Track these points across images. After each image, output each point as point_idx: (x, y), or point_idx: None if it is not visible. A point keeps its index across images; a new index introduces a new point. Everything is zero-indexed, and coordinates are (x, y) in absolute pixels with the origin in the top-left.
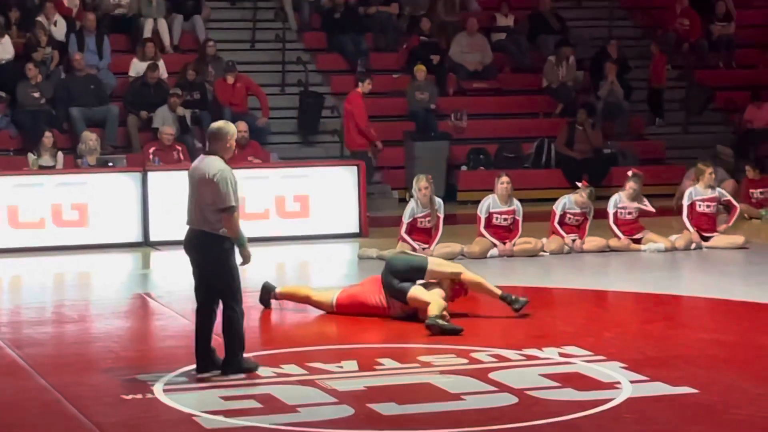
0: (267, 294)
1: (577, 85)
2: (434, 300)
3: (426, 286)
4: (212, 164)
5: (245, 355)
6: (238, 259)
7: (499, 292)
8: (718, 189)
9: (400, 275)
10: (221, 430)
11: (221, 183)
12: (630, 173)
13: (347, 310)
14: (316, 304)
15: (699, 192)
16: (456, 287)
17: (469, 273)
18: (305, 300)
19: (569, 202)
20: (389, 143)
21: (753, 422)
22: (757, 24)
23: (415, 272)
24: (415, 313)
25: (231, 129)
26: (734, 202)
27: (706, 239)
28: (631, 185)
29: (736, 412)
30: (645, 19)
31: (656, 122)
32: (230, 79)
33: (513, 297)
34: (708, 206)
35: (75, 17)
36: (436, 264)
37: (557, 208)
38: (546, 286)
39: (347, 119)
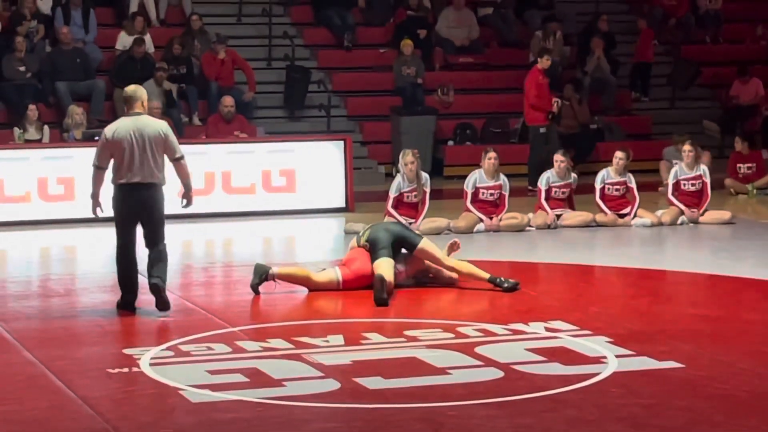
0: (264, 276)
1: (563, 60)
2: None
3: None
4: (157, 123)
5: None
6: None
7: (486, 275)
8: (702, 167)
9: (391, 238)
10: (207, 404)
11: (172, 136)
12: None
13: (354, 285)
14: (319, 286)
15: (683, 171)
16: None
17: (454, 260)
18: (305, 282)
19: (551, 175)
20: (376, 118)
21: (737, 396)
22: None
23: (405, 244)
24: (420, 280)
25: (143, 92)
26: (708, 190)
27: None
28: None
29: (720, 387)
30: (648, 16)
31: (641, 98)
32: (222, 53)
33: (501, 279)
34: (693, 185)
35: None
36: (426, 245)
37: (542, 183)
38: (532, 261)
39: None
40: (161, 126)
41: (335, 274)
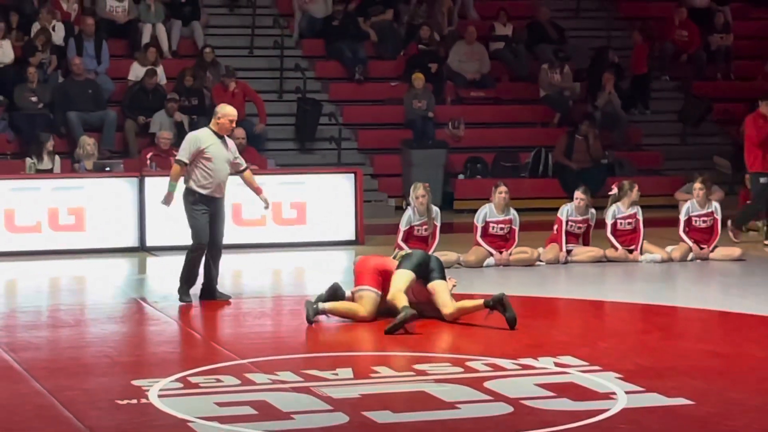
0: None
1: (574, 95)
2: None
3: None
4: (190, 134)
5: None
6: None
7: (479, 302)
8: (714, 204)
9: (422, 260)
10: None
11: (183, 142)
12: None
13: (387, 283)
14: (369, 314)
15: (695, 207)
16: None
17: (452, 308)
18: (352, 315)
19: (571, 209)
20: (387, 151)
21: None
22: (756, 36)
23: (426, 273)
24: (419, 308)
25: (220, 110)
26: (718, 227)
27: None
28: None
29: (730, 424)
30: (643, 30)
31: (643, 111)
32: (231, 85)
33: (491, 301)
34: (704, 222)
35: (74, 22)
36: (439, 285)
37: (561, 215)
38: (542, 295)
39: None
40: (187, 138)
41: (369, 293)
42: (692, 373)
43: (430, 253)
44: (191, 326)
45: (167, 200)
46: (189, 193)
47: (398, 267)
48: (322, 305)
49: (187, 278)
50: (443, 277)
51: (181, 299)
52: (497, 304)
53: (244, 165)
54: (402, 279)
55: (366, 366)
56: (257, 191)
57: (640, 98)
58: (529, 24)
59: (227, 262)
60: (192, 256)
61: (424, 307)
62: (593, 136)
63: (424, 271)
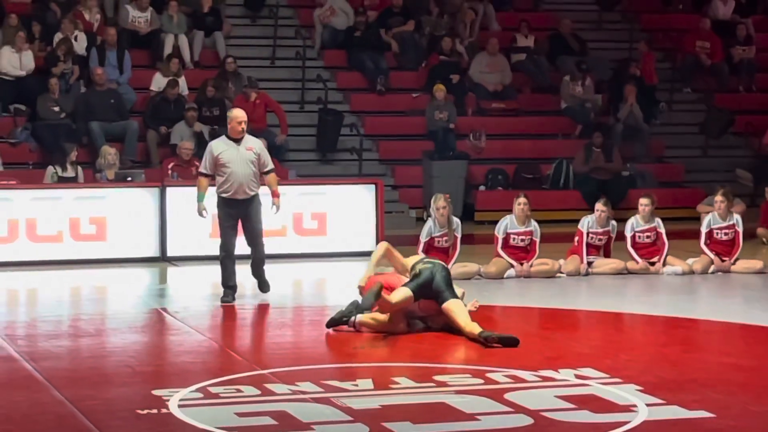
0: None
1: (595, 107)
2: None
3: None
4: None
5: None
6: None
7: (476, 332)
8: (735, 217)
9: (427, 282)
10: None
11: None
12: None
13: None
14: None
15: (716, 220)
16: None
17: (470, 327)
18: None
19: (592, 221)
20: (408, 162)
21: None
22: None
23: (438, 297)
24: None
25: (229, 114)
26: (740, 239)
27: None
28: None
29: None
30: (665, 42)
31: (653, 121)
32: (253, 96)
33: (483, 340)
34: (726, 234)
35: (96, 32)
36: (453, 306)
37: (582, 228)
38: (563, 307)
39: None
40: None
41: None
42: (713, 386)
43: (450, 264)
44: (211, 336)
45: (198, 211)
46: (217, 199)
47: (406, 283)
48: (358, 317)
49: (222, 281)
50: (455, 295)
51: (221, 300)
52: (491, 342)
53: (269, 167)
54: (398, 295)
55: (386, 377)
56: (273, 194)
57: (647, 108)
58: (550, 36)
59: (246, 272)
60: (220, 260)
61: (432, 320)
62: (606, 148)
63: (429, 292)
